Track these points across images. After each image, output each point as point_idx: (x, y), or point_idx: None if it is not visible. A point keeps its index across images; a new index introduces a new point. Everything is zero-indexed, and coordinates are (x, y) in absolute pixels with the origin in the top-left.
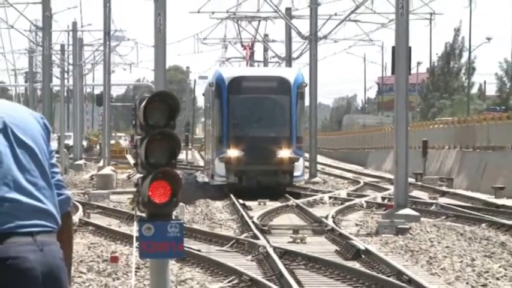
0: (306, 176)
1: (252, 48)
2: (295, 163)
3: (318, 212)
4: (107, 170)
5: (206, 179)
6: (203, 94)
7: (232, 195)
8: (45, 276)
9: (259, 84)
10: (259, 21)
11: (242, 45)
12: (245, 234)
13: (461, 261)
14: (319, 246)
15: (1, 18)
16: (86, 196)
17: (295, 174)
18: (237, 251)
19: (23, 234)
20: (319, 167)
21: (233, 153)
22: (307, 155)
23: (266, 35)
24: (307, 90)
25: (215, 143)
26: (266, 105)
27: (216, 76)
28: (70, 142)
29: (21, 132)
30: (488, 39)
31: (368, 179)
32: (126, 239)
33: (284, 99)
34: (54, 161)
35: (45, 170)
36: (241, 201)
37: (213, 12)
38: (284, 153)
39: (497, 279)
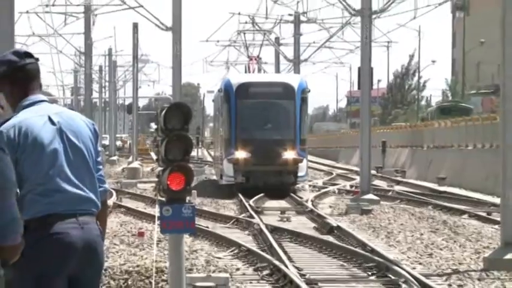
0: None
1: (257, 60)
2: (300, 164)
3: (300, 196)
4: (135, 164)
5: (213, 171)
6: (213, 100)
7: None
8: (84, 247)
9: (265, 90)
10: (261, 46)
11: (249, 57)
12: (243, 214)
13: (412, 235)
14: (301, 224)
15: (52, 45)
16: (119, 184)
17: (299, 174)
18: (237, 228)
19: (68, 216)
20: None
21: (241, 154)
22: None
23: (260, 58)
24: None
25: (224, 145)
26: (272, 110)
27: (225, 82)
28: (106, 142)
29: (73, 136)
30: (433, 61)
31: (339, 171)
32: (150, 218)
33: (289, 103)
34: (100, 159)
35: (89, 166)
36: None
37: (218, 41)
38: (289, 154)
39: (440, 249)
